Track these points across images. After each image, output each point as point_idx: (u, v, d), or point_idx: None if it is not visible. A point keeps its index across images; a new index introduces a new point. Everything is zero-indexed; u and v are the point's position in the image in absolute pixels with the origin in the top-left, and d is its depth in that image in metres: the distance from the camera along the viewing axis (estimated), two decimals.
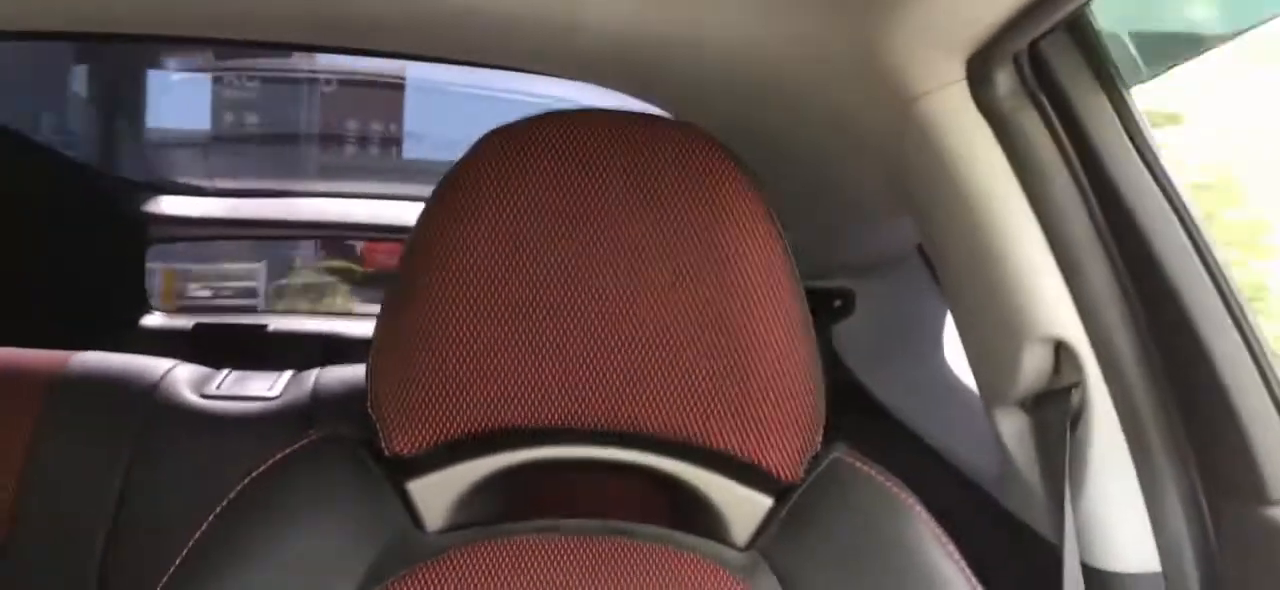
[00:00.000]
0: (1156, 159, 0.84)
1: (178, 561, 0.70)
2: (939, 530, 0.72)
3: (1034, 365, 0.86)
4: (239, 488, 0.72)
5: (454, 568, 0.68)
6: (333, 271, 3.87)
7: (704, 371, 0.69)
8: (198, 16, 1.03)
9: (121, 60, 2.70)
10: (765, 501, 0.71)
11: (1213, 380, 0.79)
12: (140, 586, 0.75)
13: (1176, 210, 0.83)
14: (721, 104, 1.04)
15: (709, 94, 1.04)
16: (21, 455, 1.26)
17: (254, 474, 0.73)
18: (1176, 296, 0.81)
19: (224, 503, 0.72)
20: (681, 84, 1.04)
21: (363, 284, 3.71)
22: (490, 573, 0.68)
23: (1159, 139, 0.85)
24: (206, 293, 3.13)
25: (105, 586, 1.24)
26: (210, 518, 0.71)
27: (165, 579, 0.69)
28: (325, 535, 0.69)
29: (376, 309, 0.77)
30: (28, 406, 1.28)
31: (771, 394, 0.70)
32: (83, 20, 1.04)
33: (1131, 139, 0.84)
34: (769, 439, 0.70)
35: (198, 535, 0.70)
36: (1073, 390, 0.85)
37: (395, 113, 3.75)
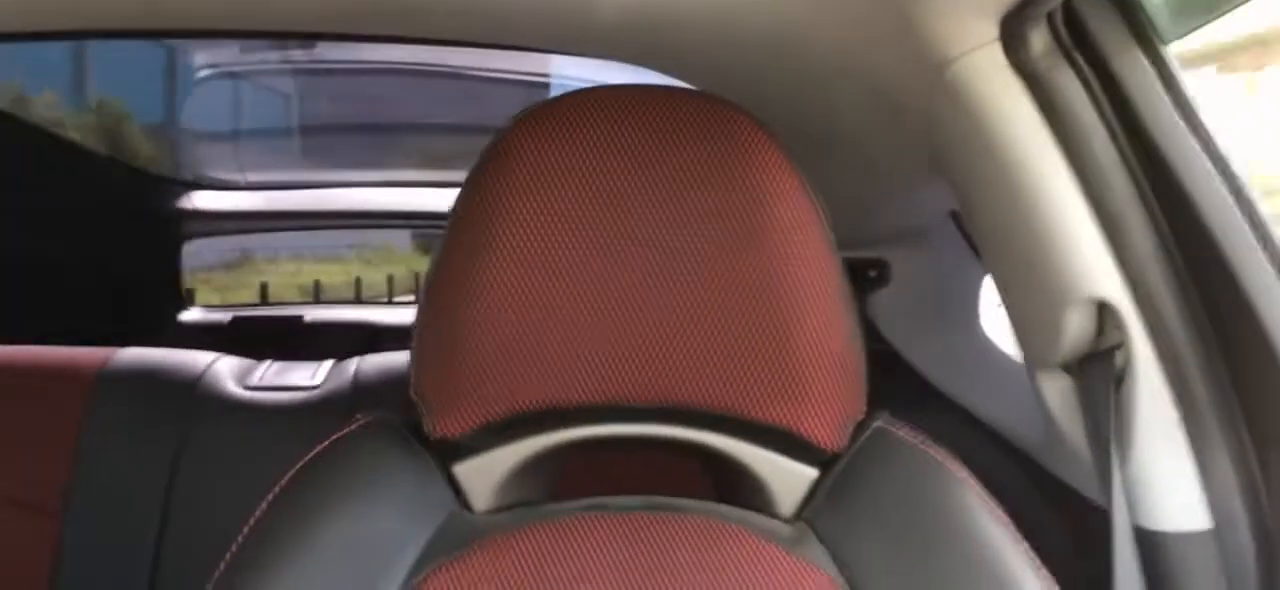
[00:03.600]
0: (1196, 114, 0.83)
1: (232, 551, 0.71)
2: (987, 496, 0.71)
3: (1077, 327, 0.85)
4: (288, 475, 0.73)
5: (503, 548, 0.68)
6: None
7: (744, 344, 0.69)
8: (208, 10, 1.03)
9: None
10: (810, 472, 0.71)
11: (1258, 335, 0.79)
12: (192, 579, 0.76)
13: (1218, 165, 0.82)
14: (749, 75, 1.03)
15: (737, 66, 1.03)
16: (68, 452, 1.28)
17: (300, 464, 0.73)
18: (1220, 252, 0.80)
19: (275, 491, 0.72)
20: (708, 57, 1.03)
21: None
22: (539, 552, 0.68)
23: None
24: None
25: (157, 580, 1.26)
26: (262, 506, 0.72)
27: (221, 568, 0.70)
28: (376, 519, 0.69)
29: (409, 298, 0.77)
30: (72, 403, 1.30)
31: (812, 364, 0.70)
32: (89, 16, 1.05)
33: (1170, 94, 0.83)
34: (812, 409, 0.70)
35: (251, 524, 0.71)
36: (1116, 351, 0.84)
37: None
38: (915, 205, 1.25)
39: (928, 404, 1.30)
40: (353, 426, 0.75)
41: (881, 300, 1.41)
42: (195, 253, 2.42)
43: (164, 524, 1.26)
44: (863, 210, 1.26)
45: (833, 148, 1.09)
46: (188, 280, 2.41)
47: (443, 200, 0.75)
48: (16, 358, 1.36)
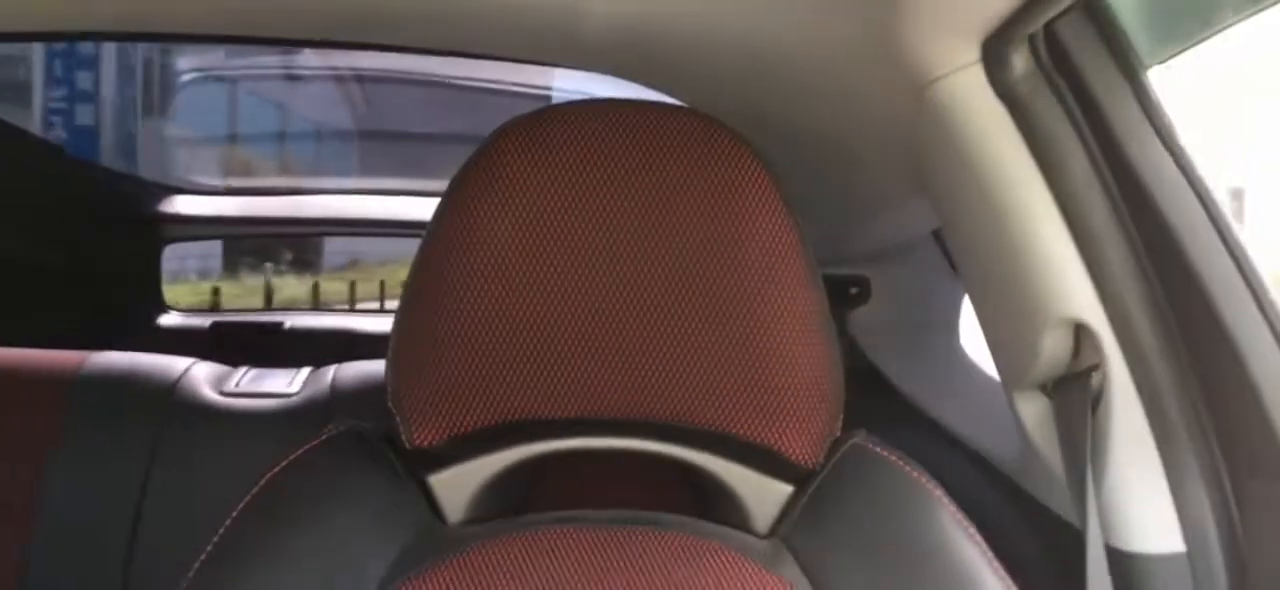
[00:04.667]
0: (1174, 138, 0.83)
1: (201, 559, 0.70)
2: (961, 515, 0.72)
3: (1054, 348, 0.86)
4: (260, 484, 0.72)
5: (477, 560, 0.68)
6: None
7: (722, 360, 0.69)
8: (196, 15, 1.03)
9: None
10: (785, 489, 0.71)
11: (1234, 359, 0.79)
12: (164, 585, 0.75)
13: (1195, 190, 0.82)
14: (734, 91, 1.04)
15: (721, 82, 1.03)
16: (41, 455, 1.26)
17: (275, 470, 0.73)
18: (1196, 276, 0.80)
19: (246, 500, 0.72)
20: (693, 72, 1.04)
21: None
22: (513, 565, 0.68)
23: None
24: None
25: (128, 585, 1.25)
26: (232, 515, 0.71)
27: (190, 576, 0.70)
28: (348, 530, 0.69)
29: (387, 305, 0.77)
30: (47, 406, 1.29)
31: (790, 381, 0.70)
32: (86, 20, 1.04)
33: (1149, 118, 0.84)
34: (788, 426, 0.70)
35: (221, 532, 0.71)
36: (1093, 372, 0.84)
37: None
38: (897, 223, 1.25)
39: (907, 421, 1.31)
40: (326, 435, 0.74)
41: (862, 317, 1.41)
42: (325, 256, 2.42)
43: (135, 529, 1.26)
44: (845, 227, 1.27)
45: (816, 165, 1.10)
46: (301, 287, 2.40)
47: (425, 209, 0.75)
48: None
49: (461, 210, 0.71)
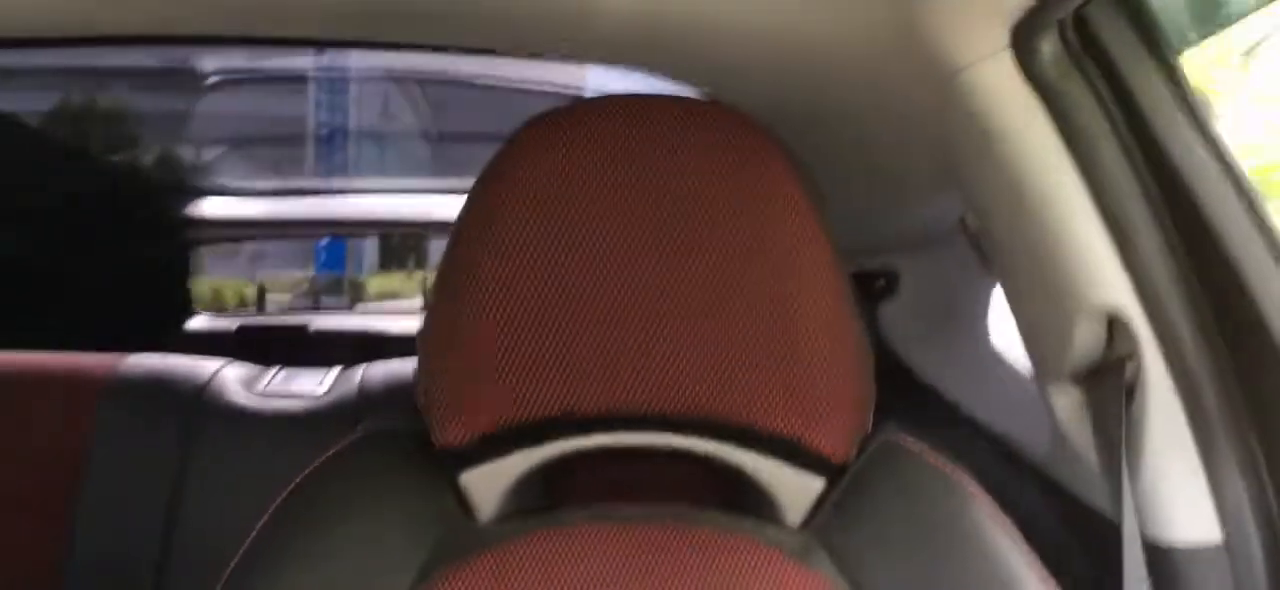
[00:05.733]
0: (1208, 123, 0.82)
1: (236, 560, 0.70)
2: (995, 508, 0.71)
3: (1087, 338, 0.85)
4: (293, 485, 0.73)
5: (508, 557, 0.68)
6: None
7: (751, 354, 0.69)
8: (210, 19, 1.03)
9: None
10: (817, 483, 0.71)
11: (1270, 348, 0.78)
12: (198, 585, 0.76)
13: (1230, 175, 0.81)
14: (758, 84, 1.03)
15: (744, 74, 1.03)
16: (76, 456, 1.28)
17: (307, 471, 0.73)
18: (1232, 264, 0.79)
19: (279, 500, 0.72)
20: (714, 64, 1.03)
21: None
22: (544, 561, 0.68)
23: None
24: None
25: (162, 586, 1.26)
26: (266, 516, 0.72)
27: (225, 577, 0.70)
28: (380, 529, 0.69)
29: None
30: (81, 408, 1.30)
31: (820, 375, 0.69)
32: (90, 24, 1.05)
33: (1181, 103, 0.83)
34: (819, 420, 0.69)
35: (254, 533, 0.71)
36: (1127, 362, 0.83)
37: None
38: (924, 215, 1.24)
39: (936, 415, 1.30)
40: (357, 435, 0.75)
41: (890, 311, 1.40)
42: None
43: (169, 530, 1.27)
44: (871, 220, 1.26)
45: (842, 156, 1.09)
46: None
47: (452, 207, 0.75)
48: (25, 363, 1.37)
49: (487, 208, 0.71)
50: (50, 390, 1.33)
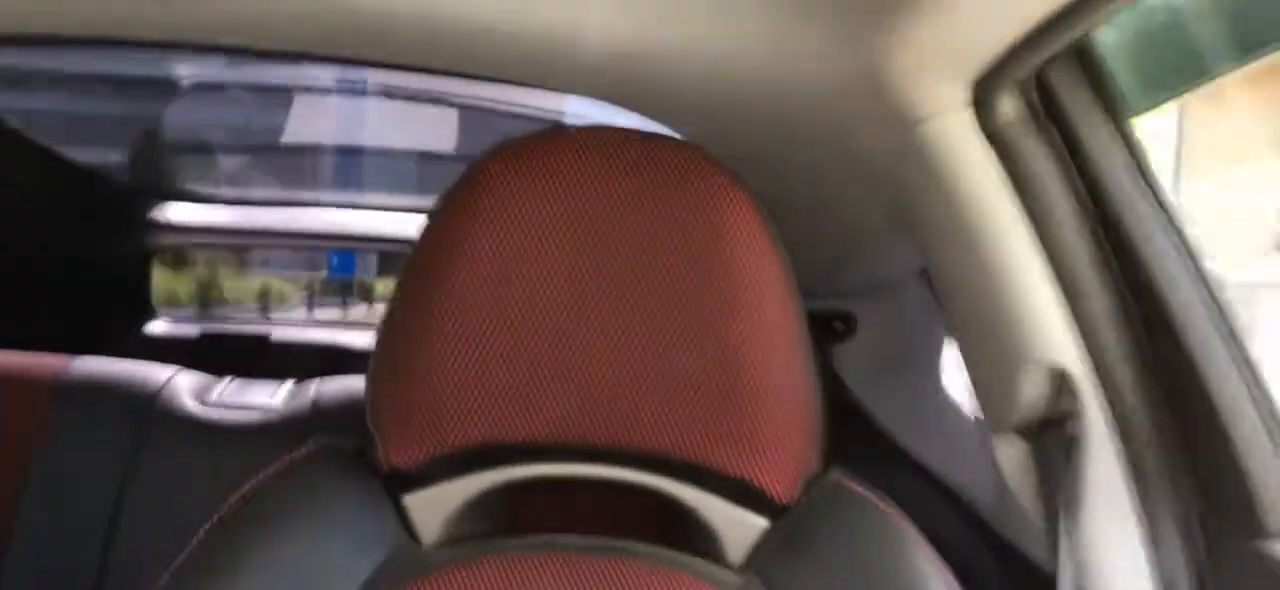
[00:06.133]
0: (1159, 188, 0.84)
1: (171, 569, 0.70)
2: (935, 557, 0.72)
3: (1033, 392, 0.86)
4: (235, 498, 0.72)
5: (449, 583, 0.68)
6: None
7: (702, 391, 0.69)
8: (196, 24, 1.03)
9: None
10: (760, 522, 0.71)
11: (1211, 411, 0.79)
12: None
13: (1178, 240, 0.83)
14: (724, 123, 1.04)
15: (709, 112, 1.04)
16: (21, 459, 1.26)
17: (250, 484, 0.73)
18: (1176, 326, 0.81)
19: (220, 513, 0.72)
20: (681, 102, 1.04)
21: None
22: (485, 588, 0.68)
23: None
24: None
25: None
26: (205, 527, 0.71)
27: (162, 584, 0.69)
28: (321, 547, 0.69)
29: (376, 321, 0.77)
30: (28, 410, 1.29)
31: (769, 415, 0.70)
32: (84, 25, 1.04)
33: (1135, 166, 0.84)
34: (766, 460, 0.70)
35: (193, 545, 0.70)
36: (1070, 419, 0.85)
37: None
38: (884, 260, 1.25)
39: (887, 458, 1.31)
40: (303, 452, 0.74)
41: (847, 353, 1.41)
42: None
43: (111, 536, 1.25)
44: (832, 263, 1.27)
45: (804, 199, 1.10)
46: None
47: (414, 226, 0.75)
48: None
49: (446, 231, 0.71)
50: None
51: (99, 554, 1.25)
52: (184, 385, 1.37)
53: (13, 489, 1.25)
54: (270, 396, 1.40)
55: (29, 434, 1.27)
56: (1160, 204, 0.83)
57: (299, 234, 2.55)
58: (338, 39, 1.06)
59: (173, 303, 2.91)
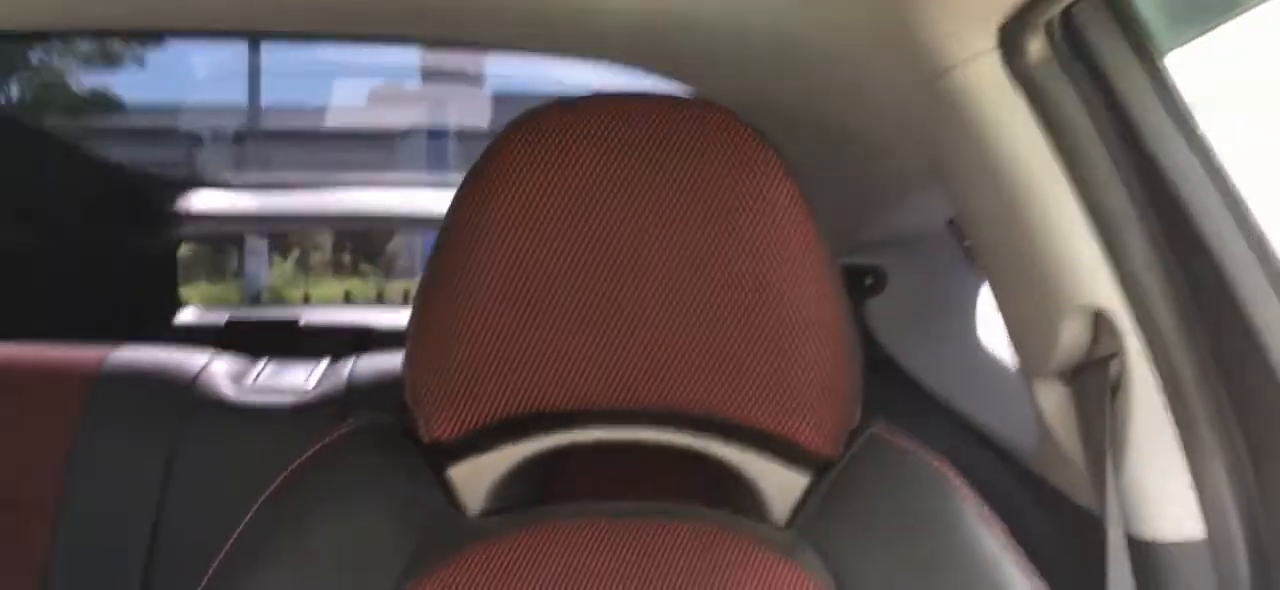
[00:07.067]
0: (1193, 124, 0.83)
1: (223, 553, 0.70)
2: (981, 504, 0.71)
3: (1073, 336, 0.85)
4: (280, 478, 0.73)
5: (496, 551, 0.68)
6: None
7: (739, 350, 0.69)
8: (206, 11, 1.03)
9: None
10: (804, 479, 0.71)
11: (1254, 346, 0.79)
12: (186, 579, 0.76)
13: (1213, 176, 0.82)
14: (747, 81, 1.04)
15: (734, 72, 1.03)
16: (63, 451, 1.27)
17: (295, 464, 0.73)
18: (1215, 262, 0.80)
19: (266, 494, 0.72)
20: (705, 63, 1.03)
21: None
22: (532, 555, 0.68)
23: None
24: None
25: (149, 580, 1.25)
26: (253, 509, 0.72)
27: (212, 571, 0.70)
28: (368, 522, 0.69)
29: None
30: (68, 402, 1.30)
31: (807, 371, 0.70)
32: (87, 17, 1.05)
33: (1166, 104, 0.83)
34: (806, 416, 0.70)
35: (242, 527, 0.71)
36: (1112, 360, 0.84)
37: None
38: (913, 213, 1.25)
39: (924, 411, 1.30)
40: (344, 430, 0.75)
41: (878, 307, 1.41)
42: None
43: (158, 524, 1.26)
44: (860, 217, 1.26)
45: (831, 154, 1.09)
46: None
47: (442, 203, 0.75)
48: (12, 356, 1.36)
49: (476, 204, 0.71)
50: (37, 383, 1.33)
51: (146, 542, 1.26)
52: (220, 370, 1.38)
53: (57, 481, 1.27)
54: (305, 378, 1.41)
55: (71, 426, 1.28)
56: (1193, 140, 0.82)
57: (325, 218, 2.55)
58: (352, 18, 1.06)
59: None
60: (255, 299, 3.25)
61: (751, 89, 1.02)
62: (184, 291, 2.43)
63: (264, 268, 3.37)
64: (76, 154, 2.31)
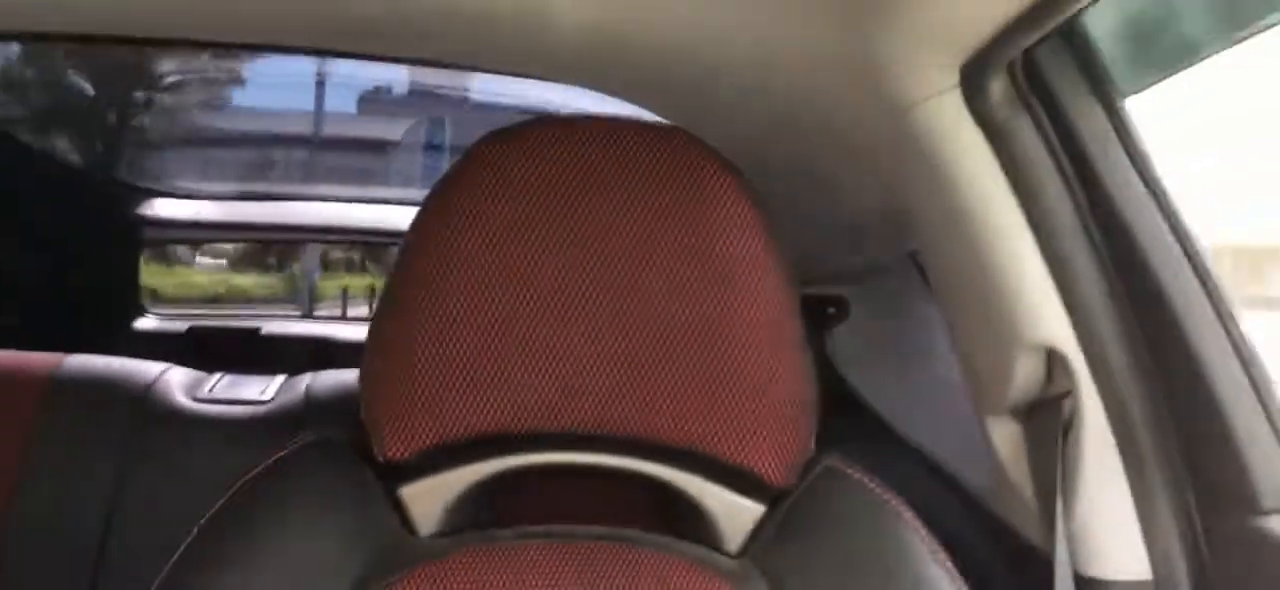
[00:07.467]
0: (1150, 167, 0.84)
1: (169, 566, 0.70)
2: (930, 538, 0.72)
3: (1026, 373, 0.86)
4: (230, 492, 0.72)
5: (446, 573, 0.68)
6: None
7: (696, 377, 0.69)
8: (179, 20, 1.03)
9: None
10: (757, 508, 0.71)
11: (1204, 389, 0.80)
12: (134, 587, 0.75)
13: (1169, 219, 0.83)
14: (714, 110, 1.04)
15: (701, 100, 1.04)
16: (14, 458, 1.26)
17: (245, 478, 0.72)
18: (1168, 305, 0.81)
19: (215, 507, 0.72)
20: (673, 90, 1.04)
21: None
22: (482, 578, 0.68)
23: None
24: None
25: (98, 588, 1.24)
26: (201, 522, 0.71)
27: (160, 578, 0.69)
28: (317, 540, 0.69)
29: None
30: (20, 409, 1.28)
31: (764, 400, 0.70)
32: (81, 22, 1.04)
33: (1125, 147, 0.84)
34: (761, 446, 0.70)
35: (189, 540, 0.70)
36: (1065, 399, 0.85)
37: None
38: (876, 244, 1.25)
39: (882, 442, 1.31)
40: (297, 444, 0.74)
41: (840, 337, 1.41)
42: None
43: (107, 532, 1.25)
44: (823, 247, 1.27)
45: (794, 184, 1.10)
46: None
47: (404, 218, 0.75)
48: None
49: (438, 222, 0.71)
50: None
51: (95, 551, 1.24)
52: (175, 381, 1.37)
53: (7, 487, 1.25)
54: (261, 391, 1.39)
55: (23, 433, 1.27)
56: (1152, 184, 0.83)
57: (287, 227, 2.54)
58: (312, 33, 1.06)
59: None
60: (310, 292, 3.32)
61: (718, 118, 1.03)
62: (238, 279, 2.42)
63: (317, 266, 3.43)
64: (35, 156, 2.29)
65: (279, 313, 3.29)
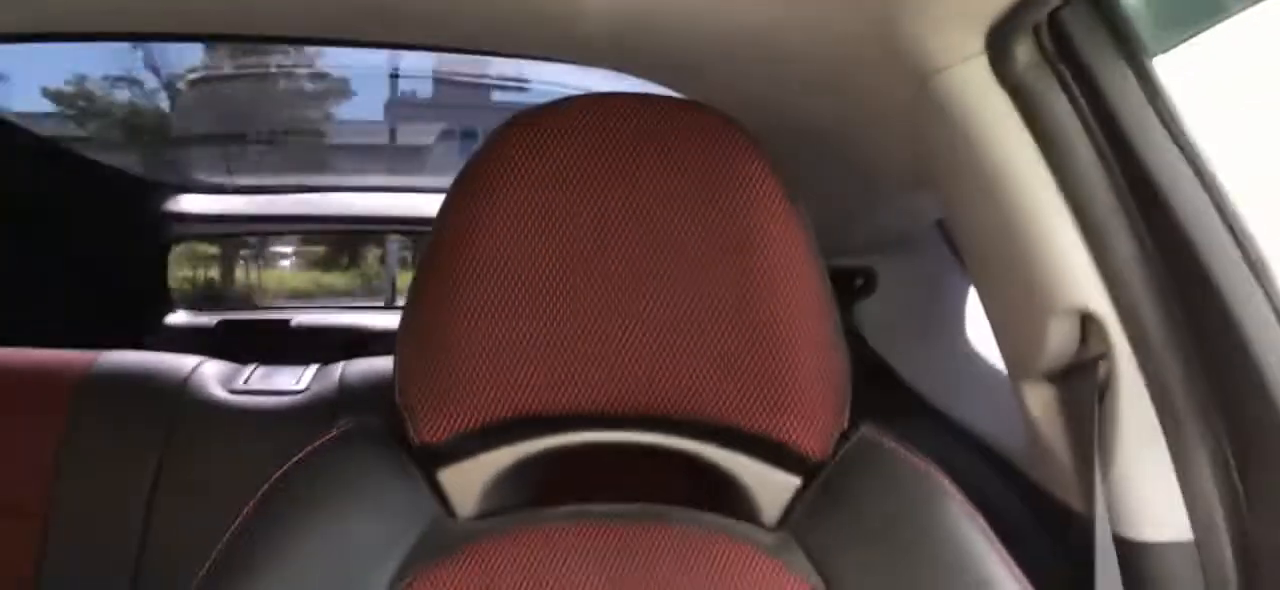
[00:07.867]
0: (1180, 126, 0.83)
1: (213, 557, 0.70)
2: (969, 505, 0.72)
3: (1060, 338, 0.86)
4: (271, 482, 0.73)
5: (486, 554, 0.68)
6: None
7: (729, 353, 0.69)
8: (193, 13, 1.03)
9: None
10: (793, 481, 0.71)
11: (1240, 346, 0.79)
12: (175, 583, 0.76)
13: (1201, 178, 0.82)
14: (736, 85, 1.04)
15: (723, 75, 1.03)
16: (52, 455, 1.27)
17: (285, 467, 0.73)
18: (1202, 264, 0.80)
19: (257, 498, 0.72)
20: (694, 65, 1.04)
21: None
22: (522, 558, 0.68)
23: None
24: None
25: (139, 583, 1.25)
26: (243, 513, 0.72)
27: (201, 575, 0.70)
28: (358, 526, 0.69)
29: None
30: (56, 407, 1.30)
31: (797, 373, 0.70)
32: (84, 22, 1.05)
33: (1154, 107, 0.84)
34: (796, 418, 0.70)
35: (232, 531, 0.71)
36: (1100, 362, 0.84)
37: None
38: (902, 214, 1.25)
39: (913, 413, 1.31)
40: (335, 432, 0.74)
41: (868, 309, 1.41)
42: None
43: (147, 527, 1.26)
44: (850, 219, 1.27)
45: (820, 157, 1.10)
46: None
47: (431, 206, 0.75)
48: (1, 360, 1.36)
49: (467, 206, 0.71)
50: (27, 387, 1.33)
51: (136, 545, 1.26)
52: (210, 373, 1.38)
53: (46, 485, 1.27)
54: (295, 381, 1.40)
55: (60, 430, 1.28)
56: (1181, 142, 0.83)
57: (313, 218, 2.55)
58: (337, 22, 1.06)
59: None
60: (392, 284, 3.42)
61: (741, 91, 1.02)
62: (325, 277, 2.46)
63: (396, 262, 3.51)
64: (64, 156, 2.31)
65: (363, 305, 3.37)
